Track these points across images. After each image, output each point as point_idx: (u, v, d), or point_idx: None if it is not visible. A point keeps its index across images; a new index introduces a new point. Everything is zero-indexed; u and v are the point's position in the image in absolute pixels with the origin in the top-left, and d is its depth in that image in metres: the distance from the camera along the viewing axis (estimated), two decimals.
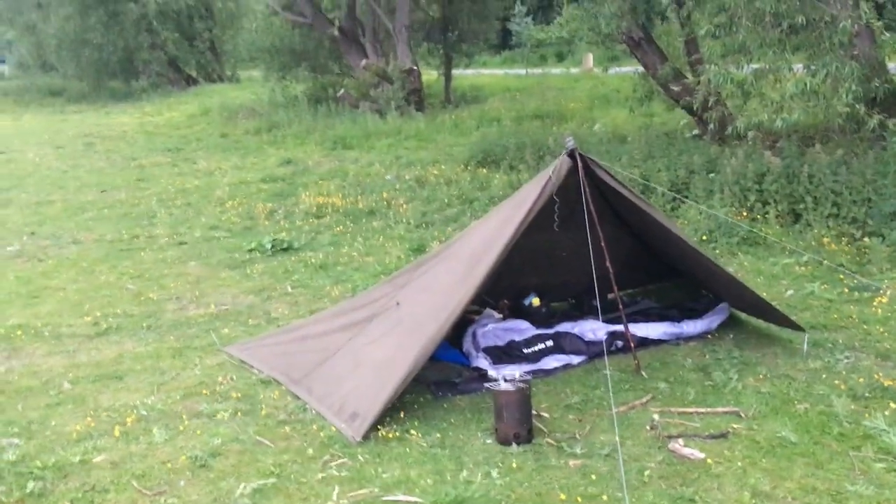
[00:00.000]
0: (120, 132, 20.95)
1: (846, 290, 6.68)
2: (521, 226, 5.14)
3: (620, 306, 5.68)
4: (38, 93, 34.97)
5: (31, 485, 4.26)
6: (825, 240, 7.83)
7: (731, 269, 7.16)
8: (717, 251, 8.07)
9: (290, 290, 7.69)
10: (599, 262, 5.43)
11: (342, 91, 20.54)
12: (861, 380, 5.03)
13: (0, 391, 5.56)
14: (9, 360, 6.17)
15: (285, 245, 9.13)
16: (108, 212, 11.58)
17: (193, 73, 32.97)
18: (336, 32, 20.60)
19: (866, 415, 4.55)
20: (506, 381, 4.62)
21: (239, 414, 5.04)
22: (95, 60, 31.24)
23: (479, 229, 5.76)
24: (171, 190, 12.88)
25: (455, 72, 24.16)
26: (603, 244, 5.38)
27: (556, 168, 5.28)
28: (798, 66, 8.90)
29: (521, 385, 4.58)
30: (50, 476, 4.38)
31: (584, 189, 5.19)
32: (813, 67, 8.69)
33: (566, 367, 5.61)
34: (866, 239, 7.63)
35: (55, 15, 31.43)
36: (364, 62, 20.15)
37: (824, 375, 5.14)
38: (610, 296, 5.79)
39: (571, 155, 5.30)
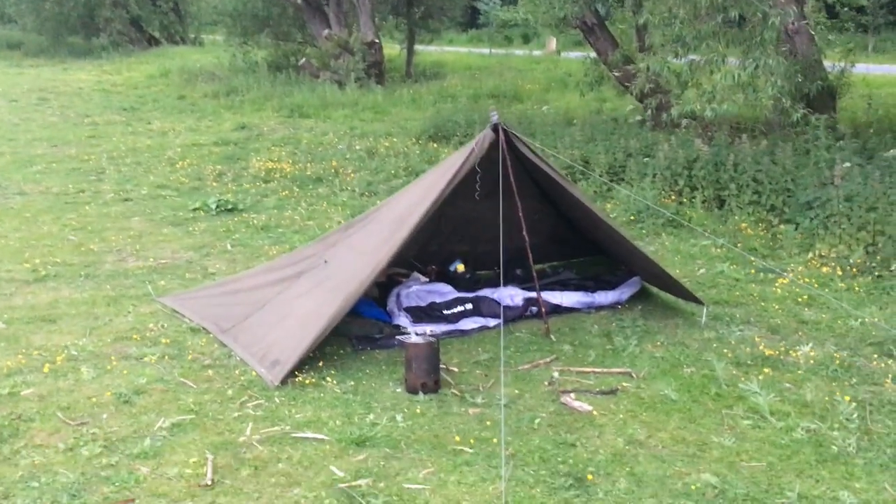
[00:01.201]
0: (76, 89, 20.79)
1: (753, 272, 7.12)
2: (442, 193, 5.44)
3: (534, 274, 6.02)
4: None
5: None
6: (744, 225, 8.28)
7: (651, 248, 7.61)
8: (644, 231, 8.48)
9: (229, 248, 7.93)
10: (518, 233, 5.79)
11: (303, 60, 20.62)
12: (747, 349, 5.46)
13: None
14: None
15: (230, 206, 9.35)
16: (57, 166, 11.65)
17: (156, 34, 32.59)
18: (300, 1, 20.62)
19: (743, 379, 4.97)
20: (417, 335, 4.96)
21: (166, 358, 5.31)
22: (56, 15, 30.71)
23: (404, 195, 6.07)
24: (122, 148, 12.95)
25: (419, 47, 24.31)
26: (521, 216, 5.71)
27: (479, 140, 5.59)
28: (732, 60, 9.29)
29: (430, 339, 4.91)
30: None
31: (504, 161, 5.50)
32: (746, 62, 9.09)
33: (482, 328, 5.95)
34: (781, 226, 8.07)
35: None
36: (326, 32, 20.24)
37: (715, 345, 5.57)
38: (535, 267, 6.14)
39: (495, 129, 5.61)
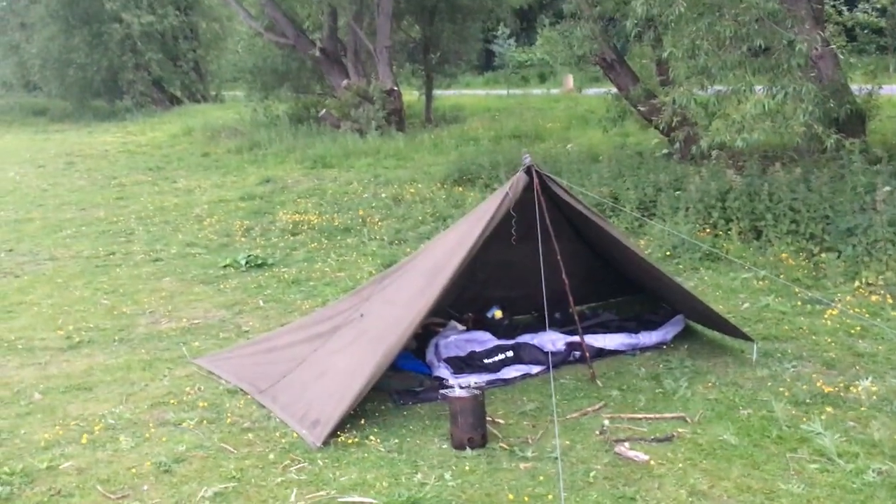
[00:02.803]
0: (102, 151, 21.07)
1: (800, 304, 6.91)
2: (478, 240, 5.34)
3: (576, 318, 5.86)
4: (21, 112, 35.07)
5: None
6: (784, 255, 8.07)
7: (691, 284, 7.42)
8: (681, 266, 8.30)
9: (261, 304, 7.85)
10: (556, 276, 5.65)
11: (324, 111, 20.77)
12: (804, 387, 5.24)
13: None
14: None
15: (260, 261, 9.30)
16: (87, 229, 11.71)
17: (178, 93, 33.15)
18: (318, 53, 20.84)
19: (804, 419, 4.76)
20: (461, 388, 4.81)
21: (204, 422, 5.19)
22: (79, 80, 31.37)
23: (439, 243, 5.96)
24: (149, 208, 13.02)
25: (437, 92, 24.45)
26: (559, 258, 5.58)
27: (512, 184, 5.49)
28: (759, 88, 9.17)
29: (475, 391, 4.76)
30: (17, 481, 4.51)
31: (539, 204, 5.39)
32: (774, 89, 8.97)
33: (525, 376, 5.79)
34: (823, 255, 7.86)
35: (39, 35, 31.59)
36: (345, 82, 20.40)
37: (770, 383, 5.35)
38: (570, 310, 5.99)
39: (528, 171, 5.51)
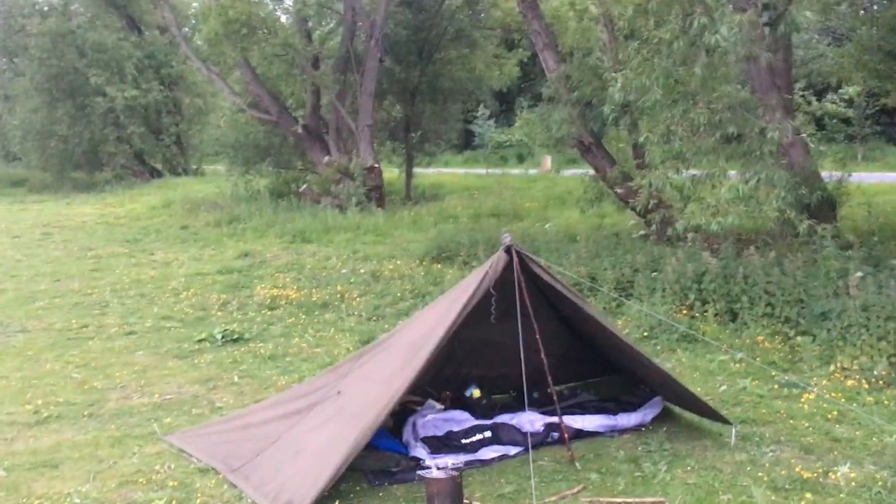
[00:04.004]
0: (79, 223, 20.98)
1: (776, 387, 6.93)
2: (458, 318, 5.34)
3: (555, 399, 5.83)
4: (0, 182, 34.95)
5: None
6: (760, 338, 8.12)
7: (668, 365, 7.42)
8: (658, 347, 8.32)
9: (236, 379, 7.74)
10: (535, 355, 5.64)
11: (304, 186, 20.93)
12: (783, 472, 5.21)
13: None
14: None
15: (236, 336, 9.20)
16: (60, 300, 11.57)
17: (158, 166, 33.29)
18: (300, 130, 21.14)
19: None
20: (438, 469, 4.73)
21: (174, 503, 5.05)
22: (60, 151, 31.41)
23: (418, 320, 5.96)
24: (125, 280, 12.91)
25: (417, 170, 24.78)
26: (538, 337, 5.58)
27: (493, 263, 5.53)
28: (732, 174, 9.38)
29: (453, 473, 4.68)
30: None
31: (519, 284, 5.42)
32: (747, 175, 9.19)
33: (503, 457, 5.72)
34: (798, 338, 7.91)
35: (22, 107, 31.77)
36: (327, 159, 20.64)
37: (749, 468, 5.32)
38: (549, 390, 5.96)
39: (508, 251, 5.56)
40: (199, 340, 9.12)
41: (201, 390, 7.46)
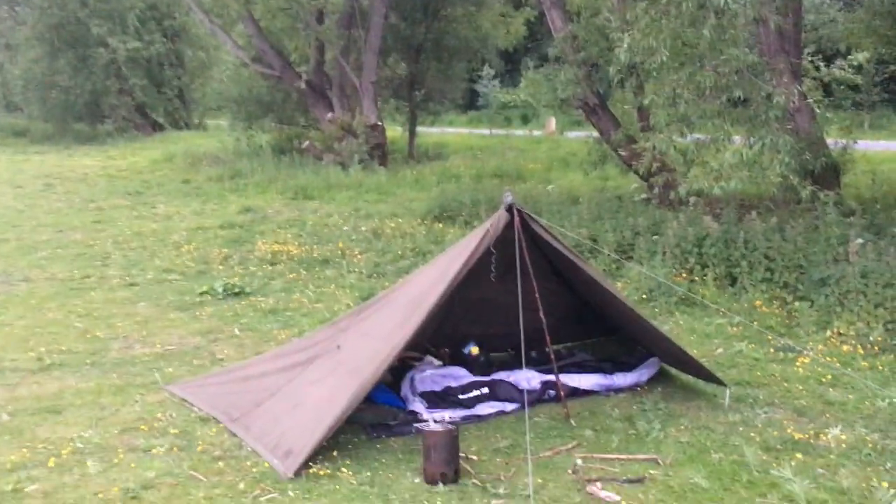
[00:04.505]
0: (81, 174, 20.95)
1: (772, 351, 7.00)
2: (458, 275, 5.36)
3: (552, 357, 5.89)
4: (1, 132, 34.81)
5: None
6: (758, 302, 8.17)
7: (666, 327, 7.46)
8: (657, 309, 8.37)
9: (237, 332, 7.81)
10: (534, 314, 5.69)
11: (307, 143, 20.86)
12: (775, 433, 5.28)
13: None
14: None
15: (237, 290, 9.25)
16: (63, 252, 11.61)
17: (161, 120, 33.13)
18: (304, 86, 20.98)
19: (775, 465, 4.79)
20: (435, 422, 4.80)
21: (175, 449, 5.13)
22: (62, 102, 31.26)
23: (419, 277, 5.99)
24: (127, 233, 12.94)
25: (421, 129, 24.69)
26: (537, 296, 5.62)
27: (493, 221, 5.55)
28: (737, 139, 9.35)
29: (449, 427, 4.76)
30: None
31: (519, 242, 5.44)
32: (751, 140, 9.16)
33: (499, 413, 5.79)
34: (796, 303, 7.96)
35: (23, 56, 31.55)
36: (330, 115, 20.54)
37: (741, 428, 5.40)
38: (547, 349, 6.01)
39: (509, 209, 5.57)
40: (201, 293, 9.17)
41: (202, 342, 7.52)
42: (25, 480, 4.70)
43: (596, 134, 14.37)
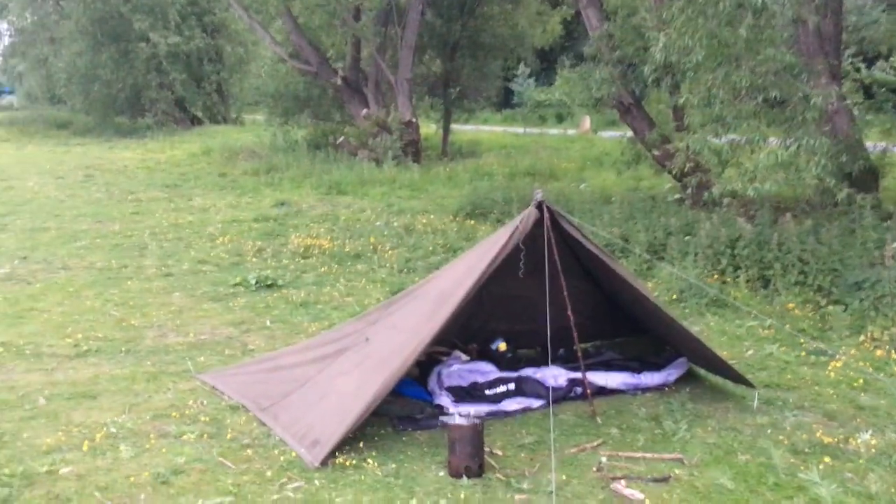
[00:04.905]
0: (121, 166, 21.33)
1: (804, 354, 6.92)
2: (486, 271, 5.40)
3: (579, 355, 5.89)
4: (45, 124, 35.50)
5: None
6: (791, 305, 8.08)
7: (696, 329, 7.42)
8: (687, 310, 8.32)
9: (268, 324, 7.91)
10: (562, 311, 5.70)
11: (342, 138, 21.01)
12: (804, 436, 5.24)
13: None
14: None
15: (269, 282, 9.36)
16: (101, 241, 11.84)
17: (199, 114, 33.53)
18: (339, 82, 21.14)
19: (802, 468, 4.75)
20: (460, 416, 4.84)
21: (205, 436, 5.23)
22: (104, 96, 31.86)
23: (447, 272, 6.03)
24: (164, 224, 13.15)
25: (455, 126, 24.72)
26: (565, 294, 5.63)
27: (523, 218, 5.57)
28: (773, 140, 9.25)
29: (474, 420, 4.79)
30: (17, 484, 4.56)
31: (548, 239, 5.45)
32: (787, 141, 9.06)
33: (525, 409, 5.81)
34: (830, 307, 7.86)
35: (67, 50, 32.13)
36: (365, 112, 20.67)
37: (769, 430, 5.36)
38: (574, 347, 6.01)
39: (539, 206, 5.58)
40: (234, 285, 9.31)
41: (234, 332, 7.64)
42: (60, 463, 4.82)
43: (630, 133, 14.29)
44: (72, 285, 9.29)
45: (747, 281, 8.76)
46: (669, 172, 12.59)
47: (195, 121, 32.82)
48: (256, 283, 9.31)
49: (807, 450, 5.03)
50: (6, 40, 40.14)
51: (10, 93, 52.50)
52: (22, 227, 12.84)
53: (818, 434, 5.25)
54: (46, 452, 4.96)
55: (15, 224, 13.12)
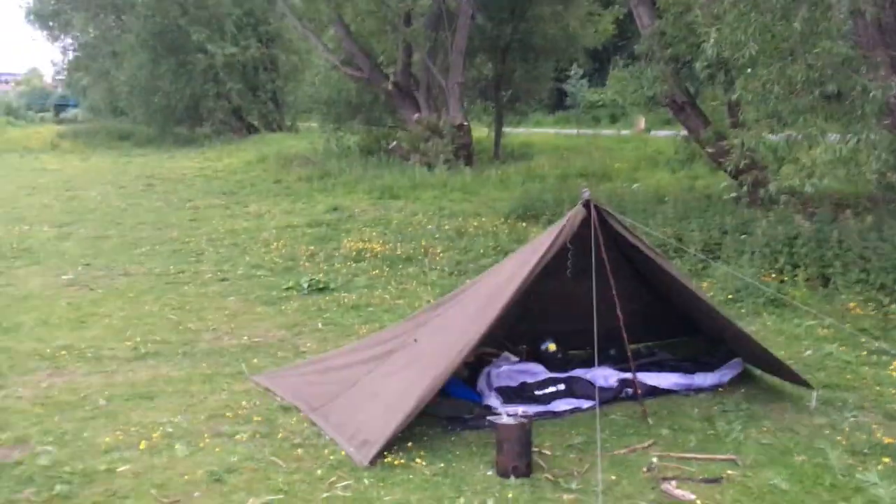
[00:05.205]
0: (180, 175, 21.85)
1: (865, 353, 6.73)
2: (533, 271, 5.37)
3: (629, 355, 5.82)
4: (108, 136, 36.61)
5: (58, 487, 4.59)
6: (852, 304, 7.87)
7: (752, 328, 7.27)
8: (743, 310, 8.16)
9: (320, 326, 8.01)
10: (612, 312, 5.63)
11: (394, 143, 21.17)
12: (863, 437, 5.10)
13: (40, 404, 5.94)
14: (51, 377, 6.57)
15: (321, 286, 9.48)
16: (160, 248, 12.14)
17: (255, 123, 34.17)
18: (391, 87, 21.31)
19: (861, 469, 4.62)
20: (508, 415, 4.83)
21: (257, 436, 5.32)
22: (163, 107, 32.73)
23: (495, 273, 6.02)
24: (220, 230, 13.43)
25: (507, 129, 24.68)
26: (614, 293, 5.57)
27: (570, 217, 5.53)
28: (831, 136, 9.01)
29: (522, 420, 4.77)
30: (77, 481, 4.70)
31: (596, 238, 5.40)
32: (847, 136, 8.81)
33: (575, 410, 5.77)
34: (893, 305, 7.63)
35: (128, 63, 33.11)
36: (417, 116, 20.78)
37: (827, 431, 5.22)
38: (630, 347, 5.93)
39: (587, 205, 5.54)
40: (287, 288, 9.45)
41: (287, 335, 7.76)
42: (118, 461, 4.95)
43: (684, 132, 14.07)
44: (131, 291, 9.54)
45: (806, 280, 8.55)
46: (725, 170, 12.35)
47: (251, 129, 33.45)
48: (309, 286, 9.43)
49: (866, 451, 4.89)
50: (70, 55, 41.39)
51: (75, 106, 54.19)
52: (85, 235, 13.24)
53: (878, 434, 5.10)
54: (105, 451, 5.10)
55: (79, 232, 13.53)
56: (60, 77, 49.30)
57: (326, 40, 23.74)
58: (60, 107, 55.90)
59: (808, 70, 8.57)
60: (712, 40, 8.85)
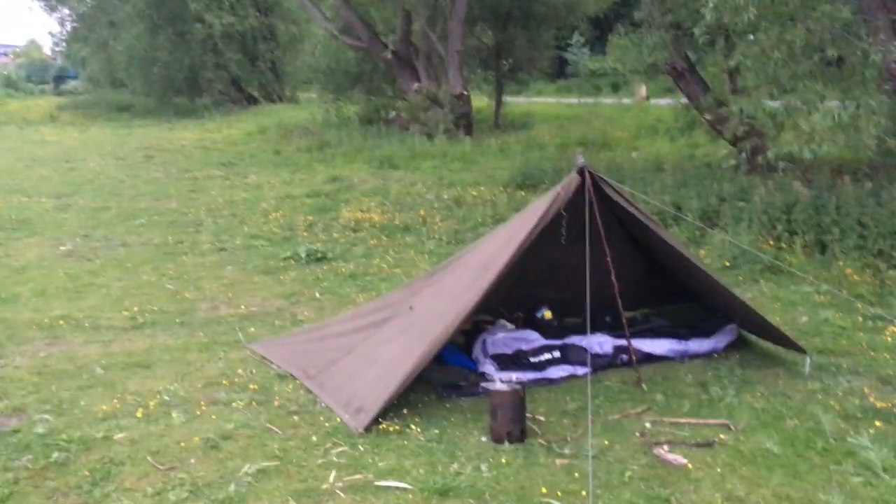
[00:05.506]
0: (179, 146, 21.76)
1: (860, 319, 6.74)
2: (527, 239, 5.36)
3: (623, 321, 5.83)
4: (107, 107, 36.39)
5: (55, 455, 4.63)
6: (848, 271, 7.86)
7: (749, 295, 7.28)
8: (740, 277, 8.16)
9: (318, 295, 8.03)
10: (606, 278, 5.63)
11: (394, 113, 21.05)
12: (856, 401, 5.12)
13: (38, 373, 5.97)
14: (49, 346, 6.60)
15: (319, 255, 9.49)
16: (158, 219, 12.14)
17: (254, 93, 33.93)
18: (390, 56, 21.14)
19: (852, 432, 4.65)
20: (502, 382, 4.85)
21: (253, 403, 5.35)
22: (162, 78, 32.49)
23: (490, 241, 6.02)
24: (219, 201, 13.41)
25: (508, 98, 24.51)
26: (608, 260, 5.56)
27: (564, 184, 5.51)
28: (831, 101, 8.94)
29: (516, 386, 4.79)
30: (74, 448, 4.73)
31: (590, 204, 5.38)
32: (847, 102, 8.75)
33: (571, 377, 5.79)
34: (890, 272, 7.63)
35: (126, 33, 32.78)
36: (416, 86, 20.63)
37: (820, 396, 5.25)
38: (626, 314, 5.94)
39: (581, 172, 5.51)
40: (285, 258, 9.46)
41: (284, 304, 7.78)
42: (115, 429, 4.98)
43: (684, 100, 13.98)
44: (130, 261, 9.56)
45: (804, 246, 8.54)
46: (724, 138, 12.31)
47: (251, 100, 33.21)
48: (307, 256, 9.44)
49: (858, 415, 4.92)
50: (68, 26, 41.01)
51: (75, 78, 53.81)
52: (84, 207, 13.22)
53: (871, 399, 5.13)
54: (102, 419, 5.13)
55: (77, 203, 13.52)
56: (59, 49, 48.89)
57: (325, 9, 23.50)
58: (60, 79, 55.44)
59: (808, 34, 8.50)
60: (711, 5, 8.76)
